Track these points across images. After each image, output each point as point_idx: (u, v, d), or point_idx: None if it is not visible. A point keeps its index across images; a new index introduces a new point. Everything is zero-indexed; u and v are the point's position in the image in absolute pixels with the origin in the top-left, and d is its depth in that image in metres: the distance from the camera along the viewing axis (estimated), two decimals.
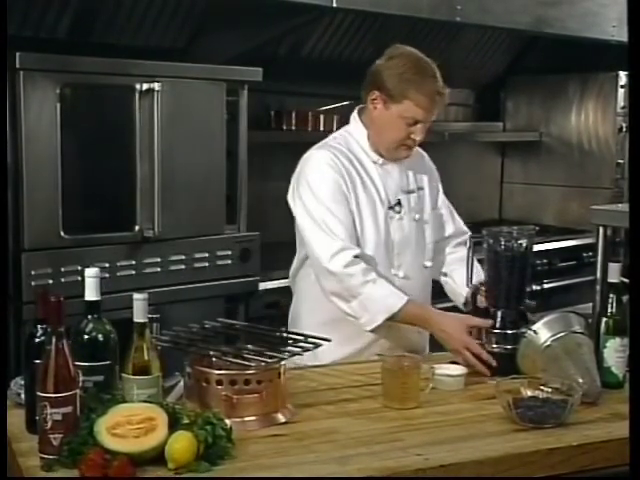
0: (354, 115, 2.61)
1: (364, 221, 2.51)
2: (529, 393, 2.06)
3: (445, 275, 2.72)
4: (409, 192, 2.60)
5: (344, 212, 2.47)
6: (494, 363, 2.29)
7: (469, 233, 2.76)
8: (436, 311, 2.48)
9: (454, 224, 2.76)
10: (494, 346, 2.32)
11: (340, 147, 2.55)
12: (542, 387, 2.07)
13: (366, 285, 2.39)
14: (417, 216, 2.60)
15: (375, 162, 2.57)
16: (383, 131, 2.52)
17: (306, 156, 2.56)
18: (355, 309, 2.42)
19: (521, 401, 2.01)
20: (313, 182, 2.49)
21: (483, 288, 2.45)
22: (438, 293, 2.76)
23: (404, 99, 2.44)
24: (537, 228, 2.49)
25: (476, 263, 2.57)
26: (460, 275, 2.60)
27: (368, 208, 2.52)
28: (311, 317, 2.55)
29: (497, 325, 2.34)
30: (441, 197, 2.75)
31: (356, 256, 2.41)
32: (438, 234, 2.69)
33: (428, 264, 2.62)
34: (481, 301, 2.46)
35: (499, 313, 2.35)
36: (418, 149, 2.70)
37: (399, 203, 2.57)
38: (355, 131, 2.59)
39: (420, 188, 2.64)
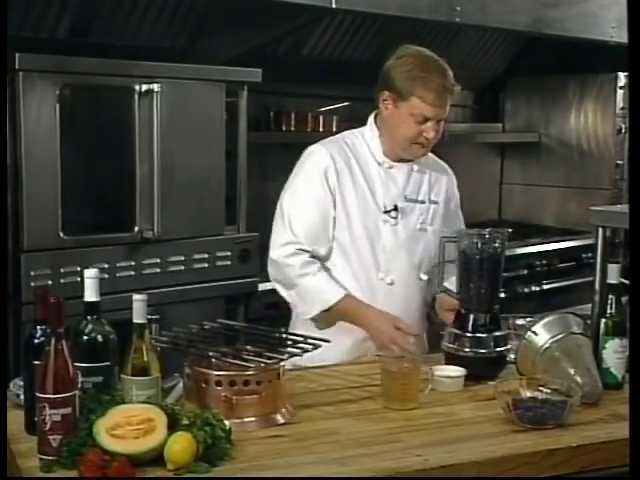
0: (370, 118, 2.65)
1: (351, 219, 2.54)
2: (528, 394, 2.06)
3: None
4: (416, 201, 2.61)
5: (314, 214, 2.52)
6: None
7: None
8: (370, 307, 2.50)
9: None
10: (466, 350, 2.30)
11: (343, 146, 2.59)
12: (541, 388, 2.07)
13: (304, 277, 2.49)
14: (419, 226, 2.60)
15: (380, 165, 2.58)
16: (395, 130, 2.53)
17: (308, 151, 2.61)
18: (293, 298, 2.54)
19: (520, 402, 2.01)
20: (298, 178, 2.58)
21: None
22: None
23: (411, 96, 2.46)
24: (510, 230, 2.49)
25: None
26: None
27: (358, 207, 2.54)
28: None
29: (469, 329, 2.31)
30: (454, 219, 2.72)
31: (303, 250, 2.49)
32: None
33: (423, 276, 2.61)
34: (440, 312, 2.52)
35: (470, 316, 2.32)
36: (445, 166, 2.72)
37: (395, 209, 2.57)
38: (367, 133, 2.63)
39: (434, 202, 2.65)
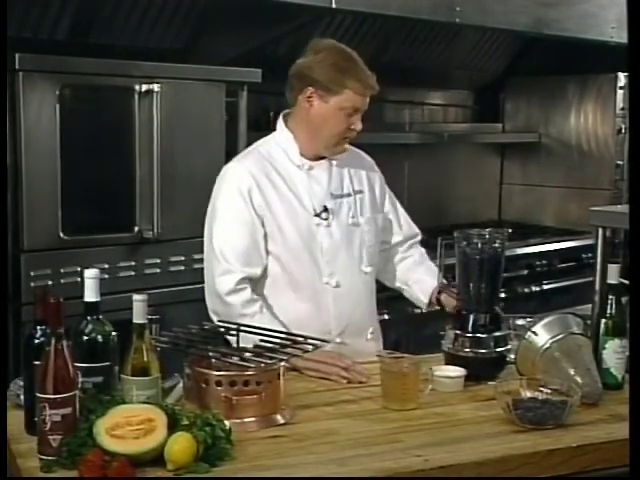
0: (279, 122, 2.57)
1: (284, 231, 2.46)
2: (528, 394, 2.06)
3: (402, 282, 2.71)
4: (342, 196, 2.55)
5: (244, 236, 2.43)
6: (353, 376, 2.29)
7: (420, 234, 2.77)
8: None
9: (402, 229, 2.71)
10: (467, 350, 2.29)
11: (260, 157, 2.51)
12: (541, 388, 2.07)
13: (244, 317, 2.37)
14: (351, 220, 2.54)
15: (300, 168, 2.51)
16: (323, 127, 2.46)
17: (223, 170, 2.54)
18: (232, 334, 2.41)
19: (520, 402, 2.01)
20: (219, 202, 2.49)
21: (453, 289, 2.44)
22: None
23: (344, 88, 2.41)
24: (510, 230, 2.49)
25: (431, 263, 2.66)
26: (417, 279, 2.65)
27: (288, 217, 2.47)
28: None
29: (469, 329, 2.30)
30: (388, 200, 2.70)
31: (243, 279, 2.41)
32: (385, 239, 2.67)
33: (366, 269, 2.56)
34: (447, 301, 2.52)
35: (470, 317, 2.31)
36: (360, 152, 2.68)
37: (325, 209, 2.50)
38: (280, 137, 2.55)
39: (358, 192, 2.59)
